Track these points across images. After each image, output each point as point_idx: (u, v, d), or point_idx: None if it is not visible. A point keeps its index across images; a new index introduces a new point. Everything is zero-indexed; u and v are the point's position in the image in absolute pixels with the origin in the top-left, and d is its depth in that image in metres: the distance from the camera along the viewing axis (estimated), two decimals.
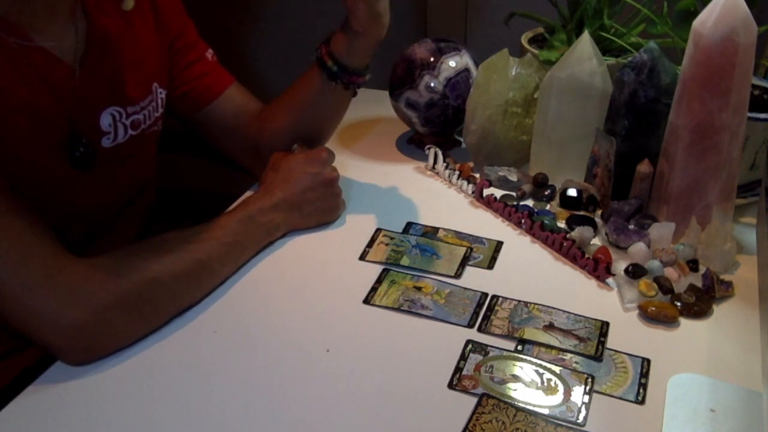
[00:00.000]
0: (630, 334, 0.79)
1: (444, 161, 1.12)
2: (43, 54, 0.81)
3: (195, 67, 1.04)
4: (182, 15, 1.02)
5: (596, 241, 0.95)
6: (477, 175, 1.10)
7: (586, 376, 0.72)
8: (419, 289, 0.86)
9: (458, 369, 0.73)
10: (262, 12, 2.21)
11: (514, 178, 1.08)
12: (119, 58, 0.90)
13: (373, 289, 0.86)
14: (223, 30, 2.24)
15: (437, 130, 1.17)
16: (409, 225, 0.99)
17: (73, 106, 0.85)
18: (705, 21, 0.84)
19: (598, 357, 0.75)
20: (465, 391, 0.71)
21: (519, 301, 0.83)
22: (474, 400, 0.69)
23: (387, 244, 0.94)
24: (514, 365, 0.74)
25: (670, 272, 0.86)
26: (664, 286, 0.83)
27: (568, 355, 0.75)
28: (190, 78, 1.03)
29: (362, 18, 0.92)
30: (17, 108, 0.79)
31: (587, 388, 0.71)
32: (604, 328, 0.79)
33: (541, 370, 0.73)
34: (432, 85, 1.12)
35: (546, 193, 1.04)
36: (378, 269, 0.89)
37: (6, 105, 0.78)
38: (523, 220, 0.98)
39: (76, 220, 0.91)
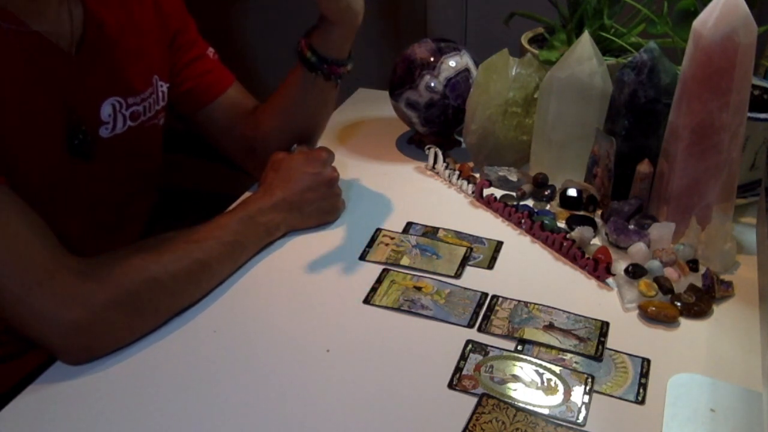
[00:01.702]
0: (630, 334, 0.79)
1: (444, 161, 1.12)
2: (38, 39, 0.81)
3: (197, 64, 1.04)
4: (183, 12, 1.02)
5: (596, 241, 0.95)
6: (477, 175, 1.10)
7: (586, 376, 0.72)
8: (419, 289, 0.86)
9: (458, 369, 0.73)
10: (261, 11, 2.21)
11: (514, 178, 1.08)
12: (118, 47, 0.90)
13: (373, 289, 0.86)
14: (222, 29, 2.24)
15: (437, 130, 1.17)
16: (409, 225, 0.99)
17: (71, 94, 0.84)
18: (705, 21, 0.84)
19: (598, 357, 0.75)
20: (465, 391, 0.71)
21: (519, 301, 0.83)
22: (474, 400, 0.69)
23: (387, 244, 0.94)
24: (514, 365, 0.74)
25: (670, 272, 0.86)
26: (664, 286, 0.83)
27: (568, 355, 0.75)
28: (192, 75, 1.04)
29: (328, 7, 0.92)
30: (13, 94, 0.79)
31: (587, 388, 0.71)
32: (604, 328, 0.79)
33: (541, 370, 0.73)
34: (432, 85, 1.12)
35: (546, 193, 1.04)
36: (378, 269, 0.89)
37: (2, 91, 0.78)
38: (523, 220, 0.98)
39: (77, 216, 0.90)
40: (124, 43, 0.90)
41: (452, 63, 1.13)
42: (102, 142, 0.89)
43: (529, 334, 0.78)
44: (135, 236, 1.04)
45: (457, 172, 1.09)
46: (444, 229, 0.98)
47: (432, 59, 1.13)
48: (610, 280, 0.87)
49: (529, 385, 0.71)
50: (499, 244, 0.95)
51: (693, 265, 0.88)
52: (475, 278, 0.88)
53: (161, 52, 0.98)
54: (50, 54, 0.82)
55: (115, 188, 0.95)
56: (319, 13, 0.95)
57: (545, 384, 0.71)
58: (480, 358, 0.75)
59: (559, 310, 0.82)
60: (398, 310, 0.82)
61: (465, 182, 1.08)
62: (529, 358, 0.75)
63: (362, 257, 0.92)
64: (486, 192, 1.04)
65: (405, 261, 0.91)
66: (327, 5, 0.93)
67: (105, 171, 0.91)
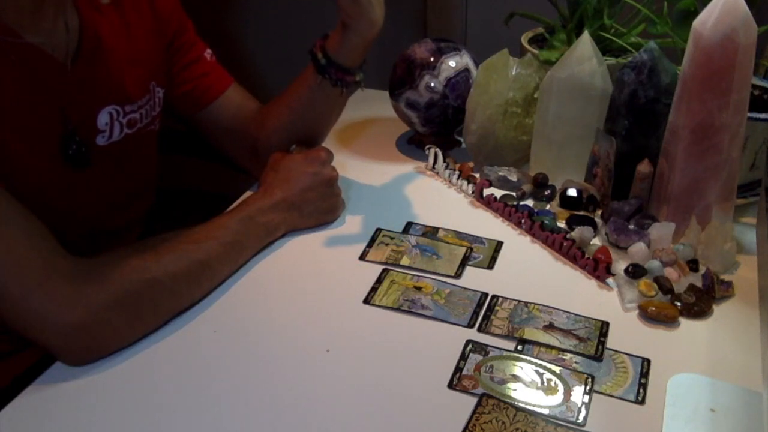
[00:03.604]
0: (630, 334, 0.79)
1: (444, 161, 1.12)
2: (33, 51, 0.81)
3: (194, 67, 1.04)
4: (180, 14, 1.02)
5: (596, 241, 0.95)
6: (477, 175, 1.10)
7: (586, 376, 0.72)
8: (419, 289, 0.86)
9: (458, 369, 0.73)
10: (262, 12, 2.21)
11: (514, 178, 1.08)
12: (115, 56, 0.89)
13: (373, 289, 0.86)
14: (222, 30, 2.24)
15: (437, 130, 1.17)
16: (409, 225, 0.99)
17: (68, 104, 0.84)
18: (705, 21, 0.84)
19: (598, 357, 0.75)
20: (465, 391, 0.71)
21: (519, 301, 0.83)
22: (474, 400, 0.69)
23: (387, 244, 0.94)
24: (514, 365, 0.74)
25: (670, 272, 0.86)
26: (664, 286, 0.83)
27: (568, 355, 0.75)
28: (190, 78, 1.03)
29: (345, 5, 0.92)
30: (8, 105, 0.79)
31: (587, 388, 0.71)
32: (604, 328, 0.79)
33: (541, 370, 0.73)
34: (432, 85, 1.12)
35: (546, 193, 1.04)
36: (378, 269, 0.89)
37: None
38: (523, 220, 0.98)
39: (76, 221, 0.90)
40: (121, 50, 0.90)
41: (452, 63, 1.13)
42: (98, 150, 0.89)
43: (529, 334, 0.78)
44: (133, 239, 1.04)
45: (457, 172, 1.09)
46: (444, 229, 0.98)
47: (432, 59, 1.13)
48: (610, 280, 0.87)
49: (529, 385, 0.71)
50: (499, 244, 0.95)
51: (693, 265, 0.88)
52: (475, 278, 0.88)
53: (159, 57, 0.98)
54: (46, 65, 0.82)
55: (111, 194, 0.95)
56: (339, 17, 0.95)
57: (545, 384, 0.71)
58: (480, 358, 0.75)
59: (559, 310, 0.82)
60: (398, 310, 0.82)
61: (465, 182, 1.08)
62: (529, 358, 0.75)
63: (362, 257, 0.92)
64: (486, 192, 1.04)
65: (405, 261, 0.91)
66: (344, 3, 0.92)
67: (101, 178, 0.91)
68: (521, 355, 0.75)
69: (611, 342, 0.77)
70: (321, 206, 0.97)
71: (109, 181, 0.93)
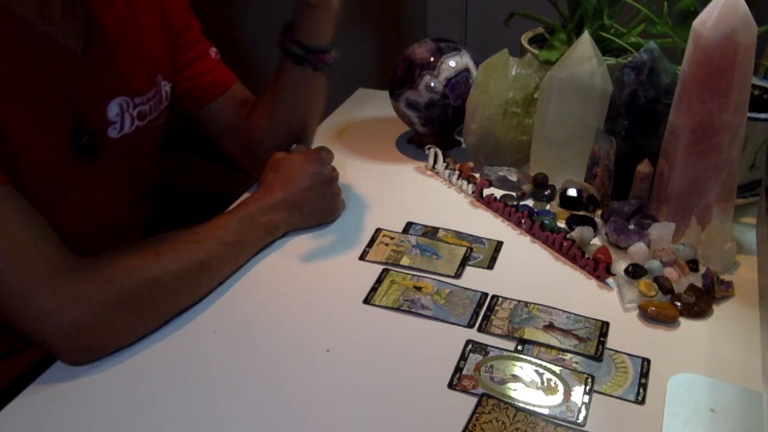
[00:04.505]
0: (630, 334, 0.79)
1: (444, 161, 1.12)
2: (45, 40, 0.81)
3: (198, 64, 1.04)
4: (187, 11, 1.03)
5: (596, 241, 0.95)
6: (477, 175, 1.09)
7: (586, 376, 0.72)
8: (419, 289, 0.86)
9: (458, 369, 0.73)
10: (262, 12, 2.21)
11: (514, 178, 1.08)
12: (123, 47, 0.90)
13: (373, 289, 0.86)
14: (224, 29, 2.24)
15: (437, 130, 1.17)
16: (409, 225, 0.99)
17: (78, 94, 0.85)
18: (705, 21, 0.84)
19: (598, 357, 0.75)
20: (465, 391, 0.71)
21: (519, 301, 0.83)
22: (474, 400, 0.69)
23: (387, 244, 0.94)
24: (514, 365, 0.74)
25: (670, 272, 0.86)
26: (664, 286, 0.83)
27: (568, 355, 0.75)
28: (193, 75, 1.04)
29: None
30: (19, 94, 0.79)
31: (587, 388, 0.71)
32: (604, 328, 0.79)
33: (541, 370, 0.73)
34: (432, 85, 1.12)
35: (546, 193, 1.04)
36: (378, 269, 0.89)
37: (8, 92, 0.78)
38: (523, 220, 0.98)
39: (80, 218, 0.90)
40: (129, 42, 0.91)
41: (452, 63, 1.13)
42: (110, 143, 0.89)
43: (529, 334, 0.78)
44: (136, 238, 1.04)
45: (457, 172, 1.09)
46: (444, 229, 0.98)
47: (432, 59, 1.13)
48: (610, 280, 0.87)
49: (529, 385, 0.71)
50: (499, 244, 0.95)
51: (693, 265, 0.88)
52: (475, 278, 0.88)
53: (165, 52, 0.98)
54: (57, 54, 0.83)
55: (117, 189, 0.95)
56: (298, 2, 0.96)
57: (545, 384, 0.71)
58: (480, 358, 0.75)
59: (559, 310, 0.82)
60: (398, 310, 0.82)
61: (465, 182, 1.08)
62: (529, 358, 0.75)
63: (362, 257, 0.92)
64: (486, 192, 1.04)
65: (405, 261, 0.91)
66: None
67: (109, 171, 0.91)
68: (521, 355, 0.75)
69: (611, 342, 0.77)
70: (321, 206, 0.97)
71: (115, 176, 0.93)
